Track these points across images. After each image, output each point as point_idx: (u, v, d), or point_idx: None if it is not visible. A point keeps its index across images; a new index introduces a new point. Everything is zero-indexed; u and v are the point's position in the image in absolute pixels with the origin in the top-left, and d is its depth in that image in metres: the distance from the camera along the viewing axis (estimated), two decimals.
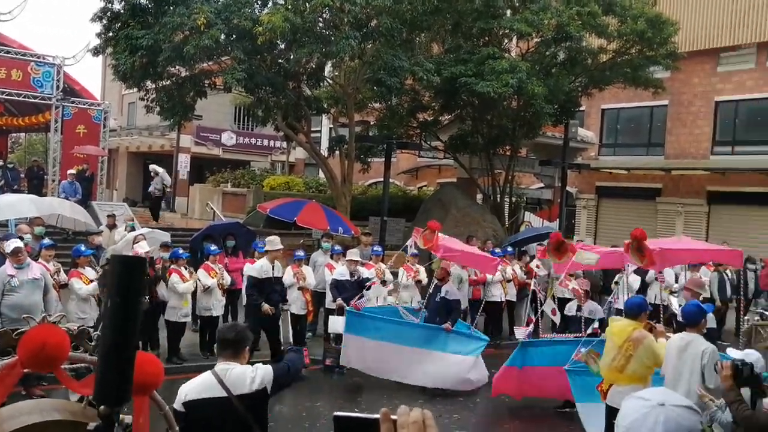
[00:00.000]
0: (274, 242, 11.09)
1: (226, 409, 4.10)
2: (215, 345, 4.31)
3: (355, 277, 11.38)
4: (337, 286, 11.26)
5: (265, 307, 10.53)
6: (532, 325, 9.88)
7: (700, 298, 8.95)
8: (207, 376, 4.24)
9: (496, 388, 9.51)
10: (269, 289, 10.68)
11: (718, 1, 23.67)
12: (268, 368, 4.31)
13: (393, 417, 1.35)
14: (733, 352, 5.70)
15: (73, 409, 1.61)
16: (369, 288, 11.35)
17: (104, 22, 17.22)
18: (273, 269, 10.85)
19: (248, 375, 4.24)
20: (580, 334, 9.31)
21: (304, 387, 10.19)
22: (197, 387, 4.19)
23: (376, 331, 10.16)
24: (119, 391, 1.51)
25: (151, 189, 23.28)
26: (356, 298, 10.64)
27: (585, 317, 9.81)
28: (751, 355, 5.26)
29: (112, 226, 16.31)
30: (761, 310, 13.82)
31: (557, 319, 10.26)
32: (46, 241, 10.65)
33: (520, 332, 9.75)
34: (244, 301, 11.77)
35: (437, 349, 10.04)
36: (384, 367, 10.16)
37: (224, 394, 4.10)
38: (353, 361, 10.35)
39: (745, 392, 4.85)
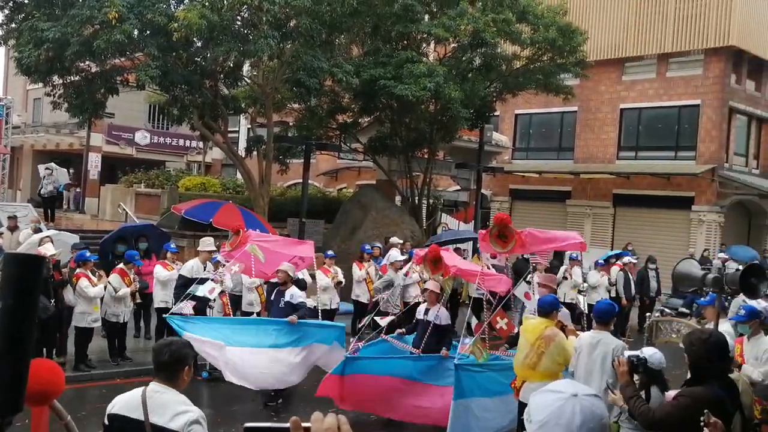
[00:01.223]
0: (207, 243, 11.07)
1: None
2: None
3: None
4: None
5: (187, 308, 10.38)
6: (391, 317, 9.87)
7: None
8: (136, 392, 3.84)
9: (321, 389, 8.61)
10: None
11: (623, 14, 24.74)
12: (200, 427, 3.74)
13: (306, 425, 1.30)
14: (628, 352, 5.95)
15: None
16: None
17: (6, 11, 16.53)
18: (204, 269, 10.77)
19: (176, 408, 3.73)
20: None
21: (222, 390, 10.07)
22: (122, 401, 3.83)
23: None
24: (12, 400, 1.39)
25: (42, 190, 22.09)
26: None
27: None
28: (647, 351, 5.52)
29: (13, 228, 15.51)
30: (662, 308, 14.53)
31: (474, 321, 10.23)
32: None
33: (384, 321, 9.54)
34: (155, 305, 11.60)
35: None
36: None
37: (141, 417, 3.70)
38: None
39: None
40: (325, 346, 9.41)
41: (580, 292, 15.28)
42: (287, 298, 9.59)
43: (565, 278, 15.26)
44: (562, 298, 14.36)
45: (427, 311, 9.16)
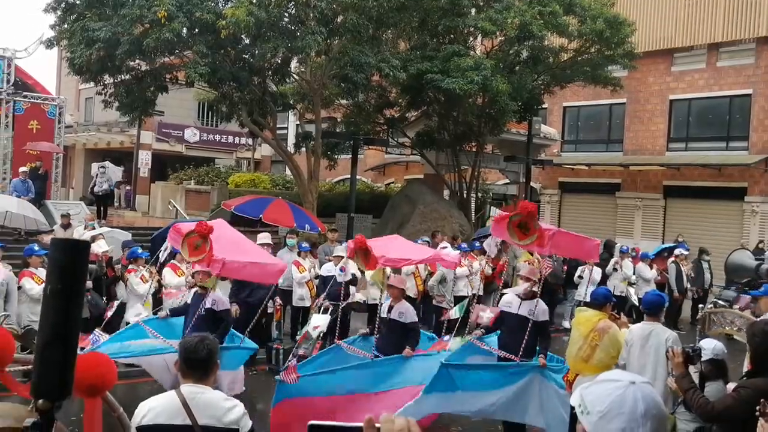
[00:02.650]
0: (263, 237, 11.15)
1: None
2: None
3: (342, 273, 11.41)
4: (324, 282, 11.32)
5: (233, 308, 10.59)
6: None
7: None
8: (170, 397, 3.59)
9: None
10: (255, 284, 10.70)
11: (672, 4, 24.22)
12: (248, 418, 3.64)
13: (377, 425, 1.27)
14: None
15: (20, 415, 1.46)
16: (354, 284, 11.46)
17: (59, 12, 16.91)
18: None
19: (222, 405, 3.59)
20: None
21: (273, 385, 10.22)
22: (156, 409, 3.52)
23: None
24: (60, 385, 1.39)
25: (95, 188, 22.63)
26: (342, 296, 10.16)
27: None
28: (706, 343, 5.45)
29: (66, 226, 15.74)
30: (715, 299, 14.26)
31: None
32: None
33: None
34: None
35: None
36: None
37: (187, 421, 3.46)
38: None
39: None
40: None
41: (630, 284, 15.14)
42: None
43: (615, 270, 15.08)
44: (612, 290, 14.22)
45: (390, 308, 8.31)
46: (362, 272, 12.40)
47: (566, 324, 14.07)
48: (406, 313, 8.24)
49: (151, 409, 3.53)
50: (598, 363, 6.75)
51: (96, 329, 8.03)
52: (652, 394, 1.85)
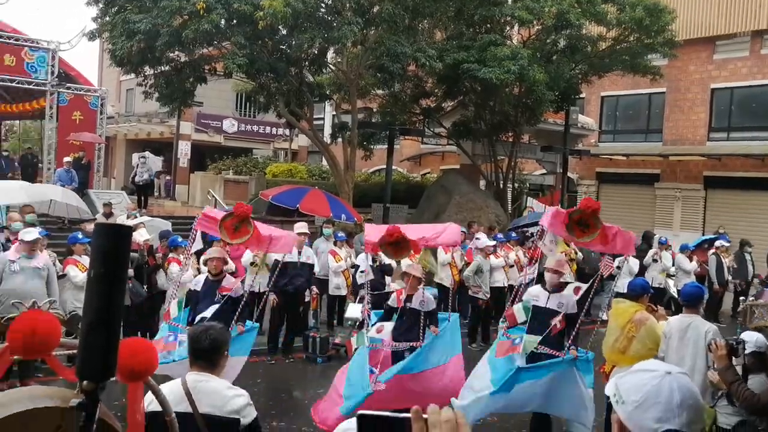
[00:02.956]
0: (300, 227, 11.25)
1: (187, 427, 3.36)
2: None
3: (377, 263, 11.51)
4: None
5: (271, 297, 10.80)
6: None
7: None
8: (176, 385, 3.61)
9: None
10: (293, 272, 10.85)
11: None
12: (252, 408, 3.64)
13: (424, 416, 1.28)
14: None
15: (65, 396, 1.49)
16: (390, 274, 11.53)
17: (100, 5, 17.17)
18: (299, 254, 11.00)
19: (225, 394, 3.59)
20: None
21: (309, 373, 10.36)
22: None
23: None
24: (103, 366, 1.43)
25: (136, 178, 23.05)
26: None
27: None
28: (747, 335, 5.39)
29: (108, 215, 16.09)
30: (757, 292, 14.01)
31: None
32: (40, 230, 10.15)
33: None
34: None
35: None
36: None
37: (189, 409, 3.45)
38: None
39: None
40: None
41: (669, 276, 14.95)
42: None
43: (654, 261, 14.90)
44: (650, 282, 14.06)
45: (409, 298, 7.98)
46: (398, 262, 12.48)
47: (603, 315, 13.93)
48: (428, 301, 8.10)
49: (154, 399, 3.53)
50: (635, 355, 6.70)
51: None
52: (688, 384, 1.84)
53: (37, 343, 1.57)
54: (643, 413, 1.81)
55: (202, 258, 10.55)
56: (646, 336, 6.76)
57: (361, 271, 11.16)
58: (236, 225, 7.70)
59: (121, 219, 14.72)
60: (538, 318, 7.56)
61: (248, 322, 8.25)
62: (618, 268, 14.36)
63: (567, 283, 8.08)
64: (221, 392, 3.57)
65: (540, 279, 9.48)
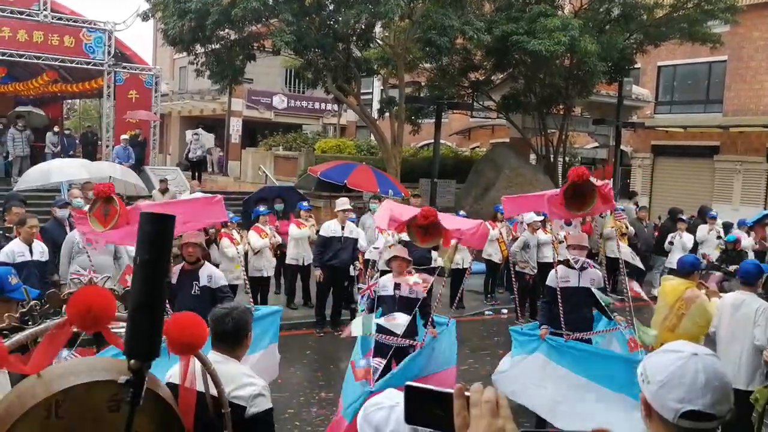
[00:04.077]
0: (342, 202, 11.33)
1: (197, 406, 3.42)
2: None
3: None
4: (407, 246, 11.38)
5: (316, 272, 10.94)
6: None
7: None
8: (195, 363, 3.58)
9: None
10: (337, 247, 10.95)
11: None
12: (266, 400, 3.49)
13: (466, 393, 1.31)
14: None
15: (121, 369, 1.60)
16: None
17: None
18: (342, 229, 11.09)
19: (239, 380, 3.45)
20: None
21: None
22: (178, 371, 3.40)
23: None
24: (148, 347, 1.54)
25: (190, 154, 23.52)
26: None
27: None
28: None
29: (164, 191, 16.67)
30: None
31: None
32: None
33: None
34: (286, 261, 12.10)
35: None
36: None
37: (200, 388, 3.25)
38: None
39: None
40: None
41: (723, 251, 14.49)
42: (204, 281, 6.92)
43: (718, 237, 14.43)
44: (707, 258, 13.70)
45: (398, 285, 7.13)
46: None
47: (655, 292, 13.68)
48: (418, 287, 7.17)
49: (176, 370, 3.45)
50: (685, 332, 6.58)
51: None
52: (714, 365, 1.83)
53: (92, 318, 1.67)
54: (666, 393, 1.82)
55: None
56: (696, 314, 6.63)
57: (375, 247, 11.10)
58: (105, 210, 6.36)
59: (185, 196, 15.11)
60: (572, 300, 7.23)
61: (269, 307, 7.63)
62: (670, 243, 14.09)
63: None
64: (235, 377, 3.46)
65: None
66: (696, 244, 14.20)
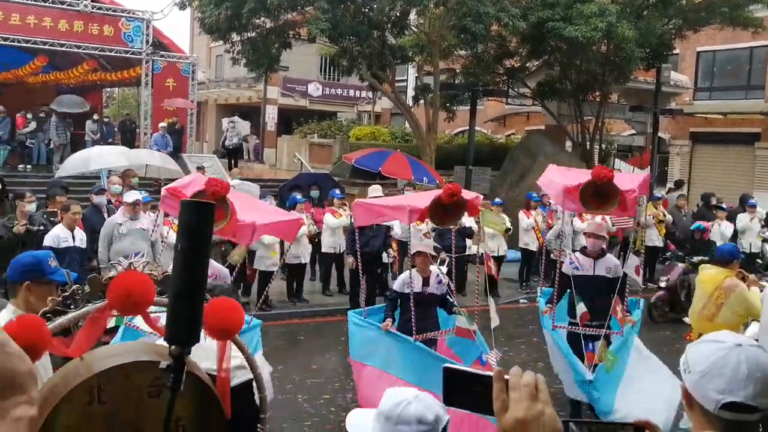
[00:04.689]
0: (374, 189, 11.38)
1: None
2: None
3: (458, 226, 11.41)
4: (441, 235, 11.45)
5: (349, 260, 11.00)
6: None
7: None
8: None
9: None
10: (369, 235, 11.01)
11: None
12: (247, 372, 3.33)
13: (505, 377, 1.31)
14: None
15: (161, 352, 1.65)
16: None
17: None
18: None
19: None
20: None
21: None
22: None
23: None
24: (189, 332, 1.56)
25: (226, 142, 23.74)
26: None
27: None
28: None
29: None
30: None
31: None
32: (145, 196, 10.53)
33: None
34: (323, 250, 12.18)
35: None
36: None
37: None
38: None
39: None
40: None
41: (765, 241, 14.24)
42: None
43: (764, 225, 14.16)
44: (747, 248, 13.46)
45: (426, 281, 6.85)
46: (478, 223, 12.38)
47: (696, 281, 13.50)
48: (443, 281, 6.99)
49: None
50: (724, 322, 6.50)
51: None
52: (758, 356, 1.79)
53: (131, 303, 1.71)
54: (707, 383, 1.79)
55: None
56: (735, 303, 6.54)
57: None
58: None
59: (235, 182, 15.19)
60: (587, 288, 7.08)
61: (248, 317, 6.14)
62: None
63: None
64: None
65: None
66: (736, 233, 13.96)
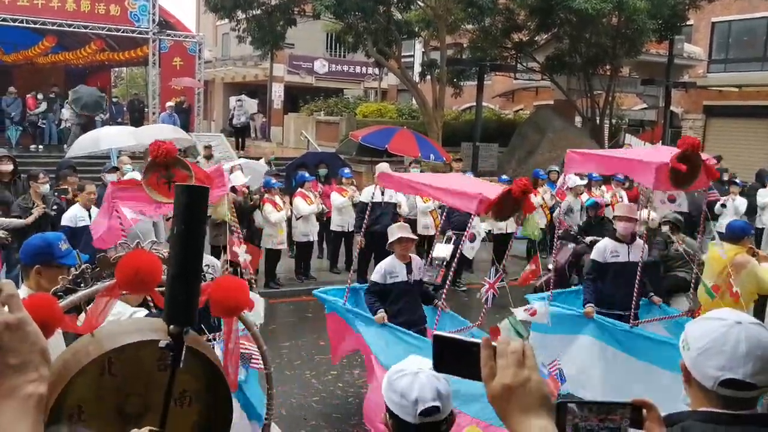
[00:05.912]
0: (381, 168, 11.30)
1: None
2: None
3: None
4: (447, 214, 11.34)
5: (358, 238, 10.93)
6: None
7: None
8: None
9: None
10: (377, 212, 10.94)
11: None
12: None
13: (493, 344, 1.35)
14: None
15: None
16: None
17: None
18: (382, 194, 11.06)
19: None
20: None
21: None
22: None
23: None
24: (185, 313, 1.61)
25: (234, 120, 23.70)
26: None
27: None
28: None
29: (209, 157, 16.79)
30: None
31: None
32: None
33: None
34: (331, 228, 12.09)
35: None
36: None
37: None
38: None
39: None
40: None
41: None
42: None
43: None
44: (764, 224, 13.25)
45: (409, 268, 6.50)
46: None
47: (703, 257, 13.33)
48: (423, 267, 6.76)
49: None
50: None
51: None
52: (758, 335, 1.80)
53: (139, 281, 1.76)
54: (706, 360, 1.81)
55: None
56: (746, 280, 6.44)
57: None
58: (167, 176, 5.19)
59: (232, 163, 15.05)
60: (624, 276, 6.73)
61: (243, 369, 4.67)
62: (723, 205, 13.63)
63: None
64: None
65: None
66: (753, 209, 13.67)
